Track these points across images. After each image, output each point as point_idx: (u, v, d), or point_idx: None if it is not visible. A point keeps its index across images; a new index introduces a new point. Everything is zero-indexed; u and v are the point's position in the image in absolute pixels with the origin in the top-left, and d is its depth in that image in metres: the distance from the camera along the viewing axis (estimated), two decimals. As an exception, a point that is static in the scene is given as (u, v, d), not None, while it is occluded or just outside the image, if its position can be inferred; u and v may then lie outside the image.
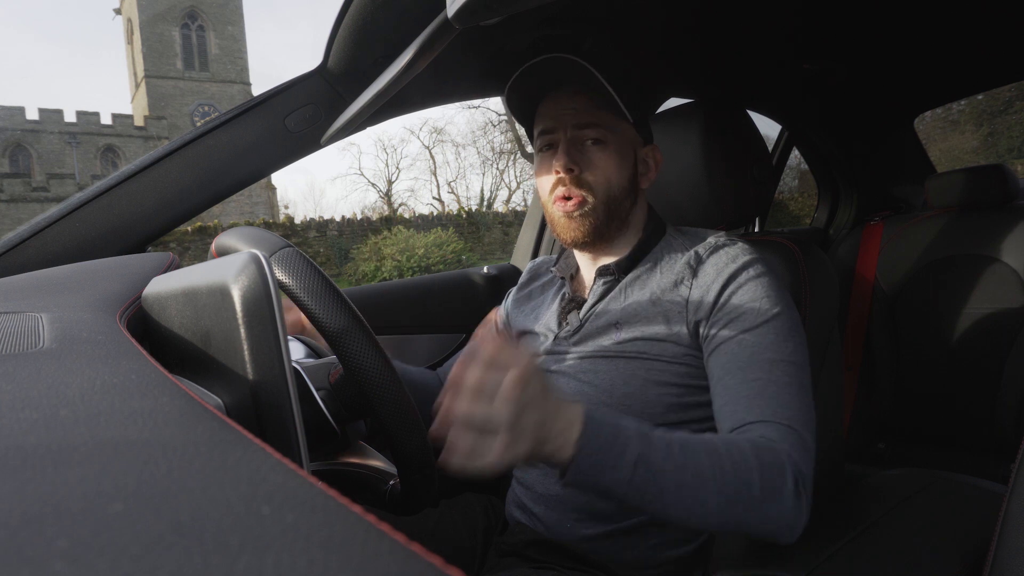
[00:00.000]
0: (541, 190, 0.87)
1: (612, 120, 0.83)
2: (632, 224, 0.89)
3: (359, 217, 20.80)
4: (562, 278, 0.95)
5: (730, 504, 0.61)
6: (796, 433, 0.68)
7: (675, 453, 0.61)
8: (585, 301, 0.88)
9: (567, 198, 0.83)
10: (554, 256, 1.02)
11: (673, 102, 1.38)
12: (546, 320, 0.93)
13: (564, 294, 0.93)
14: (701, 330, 0.78)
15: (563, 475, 0.59)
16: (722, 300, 0.77)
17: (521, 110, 0.89)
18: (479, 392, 0.53)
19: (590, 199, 0.83)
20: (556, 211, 0.85)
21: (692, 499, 0.60)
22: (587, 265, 0.92)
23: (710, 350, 0.77)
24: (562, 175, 0.82)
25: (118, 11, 36.35)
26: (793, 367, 0.72)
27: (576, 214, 0.83)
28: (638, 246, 0.87)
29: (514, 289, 1.06)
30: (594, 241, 0.86)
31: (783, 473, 0.64)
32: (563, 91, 0.84)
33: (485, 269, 1.51)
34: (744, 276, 0.78)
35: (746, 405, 0.70)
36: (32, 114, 29.90)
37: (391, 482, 0.67)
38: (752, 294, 0.76)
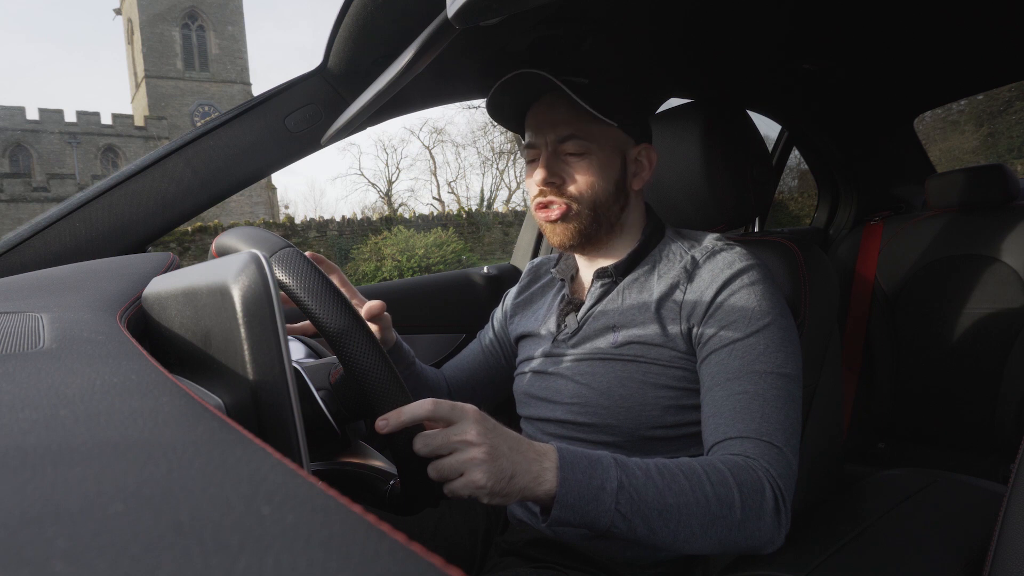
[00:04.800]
0: (529, 199, 0.88)
1: (593, 127, 0.82)
2: (628, 226, 0.89)
3: (359, 217, 20.82)
4: (562, 280, 0.95)
5: (714, 525, 0.62)
6: (777, 450, 0.68)
7: (654, 477, 0.62)
8: (583, 303, 0.88)
9: (548, 207, 0.84)
10: (555, 256, 1.02)
11: (673, 102, 1.38)
12: (545, 322, 0.93)
13: (564, 296, 0.93)
14: (694, 334, 0.79)
15: (547, 513, 0.60)
16: (715, 305, 0.77)
17: (513, 121, 0.90)
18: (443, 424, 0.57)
19: (574, 206, 0.83)
20: (539, 218, 0.87)
21: (677, 522, 0.61)
22: (585, 267, 0.92)
23: (702, 357, 0.77)
24: (541, 187, 0.83)
25: (118, 11, 36.35)
26: (782, 379, 0.72)
27: (559, 221, 0.84)
28: (636, 249, 0.87)
29: (513, 290, 1.07)
30: (582, 244, 0.86)
31: (762, 491, 0.65)
32: (545, 100, 0.84)
33: (485, 269, 1.52)
34: (738, 283, 0.77)
35: (730, 419, 0.71)
36: (32, 114, 30.01)
37: (391, 482, 0.67)
38: (745, 301, 0.76)
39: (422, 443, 0.56)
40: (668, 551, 0.72)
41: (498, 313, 1.08)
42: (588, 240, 0.85)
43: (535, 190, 0.85)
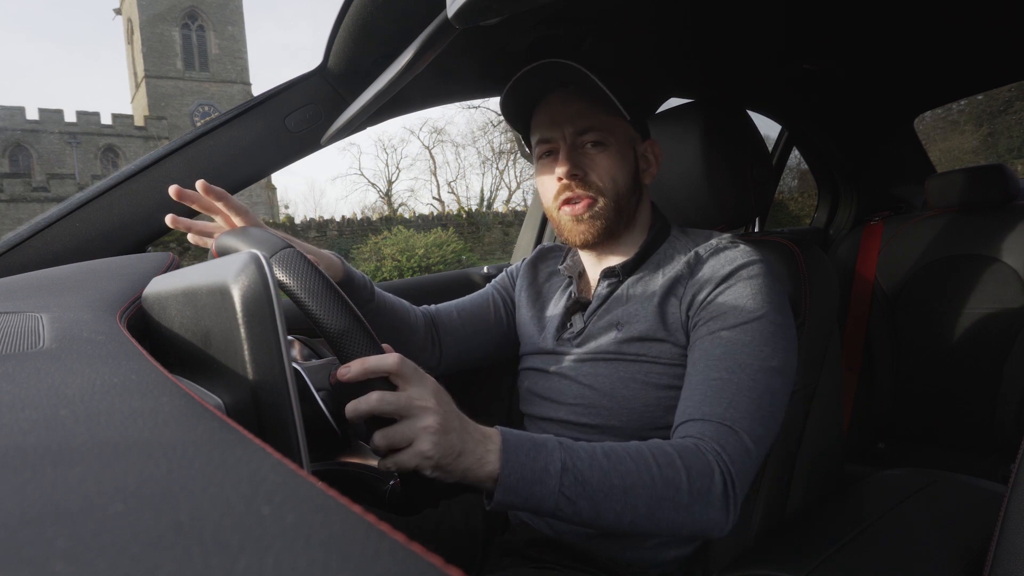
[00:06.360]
0: (544, 196, 0.87)
1: (609, 120, 0.83)
2: (638, 223, 0.89)
3: (359, 217, 20.86)
4: (569, 277, 0.95)
5: (660, 506, 0.62)
6: (735, 435, 0.68)
7: (599, 459, 0.62)
8: (590, 303, 0.88)
9: (573, 201, 0.83)
10: (563, 248, 1.01)
11: (673, 102, 1.39)
12: (550, 319, 0.93)
13: (571, 293, 0.93)
14: (689, 328, 0.79)
15: (490, 497, 0.59)
16: (709, 299, 0.77)
17: (517, 116, 0.89)
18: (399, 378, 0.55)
19: (600, 200, 0.83)
20: (563, 215, 0.84)
21: (622, 504, 0.61)
22: (592, 266, 0.92)
23: (691, 348, 0.78)
24: (566, 181, 0.82)
25: (118, 11, 36.36)
26: (763, 372, 0.72)
27: (586, 216, 0.83)
28: (643, 247, 0.87)
29: (525, 262, 1.05)
30: (603, 241, 0.86)
31: (710, 475, 0.64)
32: (557, 96, 0.84)
33: (485, 269, 1.51)
34: (736, 277, 0.78)
35: (698, 402, 0.71)
36: (32, 114, 30.00)
37: (391, 482, 0.66)
38: (739, 294, 0.76)
39: (379, 399, 0.53)
40: (615, 531, 0.71)
41: (512, 270, 1.07)
42: (610, 235, 0.85)
43: (554, 186, 0.84)
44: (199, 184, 0.75)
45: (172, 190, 0.74)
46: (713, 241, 0.85)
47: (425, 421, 0.54)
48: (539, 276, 1.01)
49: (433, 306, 1.00)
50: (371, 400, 0.53)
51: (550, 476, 0.59)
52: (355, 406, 0.53)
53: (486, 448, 0.58)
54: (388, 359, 0.54)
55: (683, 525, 0.64)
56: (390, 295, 0.92)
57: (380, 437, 0.54)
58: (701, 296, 0.78)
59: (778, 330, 0.75)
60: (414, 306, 0.96)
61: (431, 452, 0.54)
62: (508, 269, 1.08)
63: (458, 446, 0.56)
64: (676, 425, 0.72)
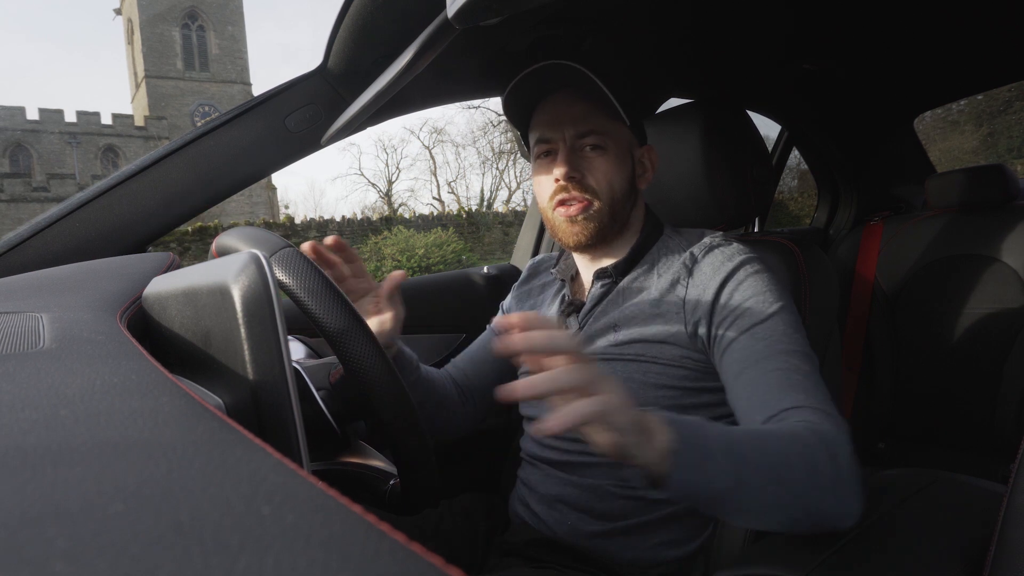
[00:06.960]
0: (540, 196, 0.87)
1: (609, 124, 0.83)
2: (631, 226, 0.89)
3: (359, 217, 20.85)
4: (562, 280, 0.95)
5: (806, 486, 0.58)
6: (833, 417, 0.64)
7: (753, 439, 0.57)
8: (584, 304, 0.88)
9: (569, 203, 0.83)
10: (555, 255, 1.01)
11: (673, 102, 1.39)
12: None
13: (564, 296, 0.93)
14: (701, 331, 0.78)
15: (656, 482, 0.53)
16: (722, 299, 0.77)
17: (517, 115, 0.89)
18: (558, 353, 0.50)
19: (595, 203, 0.83)
20: (557, 216, 0.85)
21: (776, 485, 0.56)
22: (585, 267, 0.92)
23: (721, 351, 0.75)
24: (563, 182, 0.82)
25: (118, 11, 36.36)
26: (807, 358, 0.71)
27: (580, 218, 0.83)
28: (635, 248, 0.87)
29: (515, 285, 1.06)
30: (596, 244, 0.86)
31: (843, 454, 0.60)
32: (559, 97, 0.84)
33: (485, 269, 1.51)
34: (742, 273, 0.78)
35: (777, 394, 0.67)
36: (32, 114, 29.93)
37: (391, 482, 0.67)
38: (753, 290, 0.76)
39: (570, 375, 0.49)
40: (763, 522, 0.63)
41: (505, 303, 1.08)
42: (603, 239, 0.85)
43: (551, 186, 0.84)
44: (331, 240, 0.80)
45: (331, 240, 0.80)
46: (706, 240, 0.85)
47: (607, 383, 0.50)
48: (532, 292, 1.02)
49: (446, 369, 1.01)
50: (573, 375, 0.48)
51: (723, 472, 0.54)
52: (568, 410, 0.47)
53: (650, 438, 0.53)
54: (565, 336, 0.50)
55: (825, 509, 0.59)
56: (431, 368, 0.94)
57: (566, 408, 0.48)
58: (708, 298, 0.78)
59: (796, 319, 0.75)
60: (440, 371, 0.99)
61: (618, 401, 0.49)
62: (502, 304, 1.09)
63: (626, 416, 0.51)
64: (765, 421, 0.66)
